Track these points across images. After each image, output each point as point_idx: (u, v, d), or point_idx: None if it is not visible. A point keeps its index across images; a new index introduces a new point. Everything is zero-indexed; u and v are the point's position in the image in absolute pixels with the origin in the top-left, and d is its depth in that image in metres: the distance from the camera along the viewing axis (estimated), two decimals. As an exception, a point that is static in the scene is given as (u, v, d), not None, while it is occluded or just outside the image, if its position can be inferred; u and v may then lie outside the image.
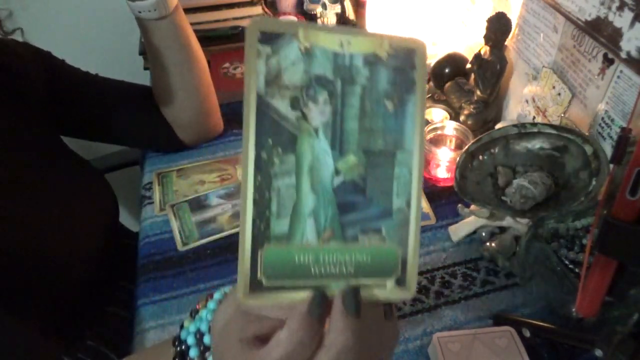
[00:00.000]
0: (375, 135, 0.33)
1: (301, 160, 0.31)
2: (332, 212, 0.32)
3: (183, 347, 0.39)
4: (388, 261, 0.33)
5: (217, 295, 0.40)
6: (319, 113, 0.31)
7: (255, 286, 0.31)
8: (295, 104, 0.31)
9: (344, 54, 0.32)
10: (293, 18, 1.18)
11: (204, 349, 0.38)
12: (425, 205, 0.77)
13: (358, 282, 0.33)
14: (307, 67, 0.31)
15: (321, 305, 0.31)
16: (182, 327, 0.40)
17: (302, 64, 0.31)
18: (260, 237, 0.31)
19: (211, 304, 0.39)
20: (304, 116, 0.31)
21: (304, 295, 0.32)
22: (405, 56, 0.33)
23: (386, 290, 0.33)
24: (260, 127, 0.30)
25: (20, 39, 0.75)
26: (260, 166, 0.30)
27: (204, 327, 0.38)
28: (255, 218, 0.30)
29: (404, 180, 0.33)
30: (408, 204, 0.34)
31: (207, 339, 0.38)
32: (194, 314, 0.40)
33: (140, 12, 0.70)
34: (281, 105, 0.31)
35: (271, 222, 0.31)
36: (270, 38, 0.30)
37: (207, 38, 1.06)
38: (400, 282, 0.34)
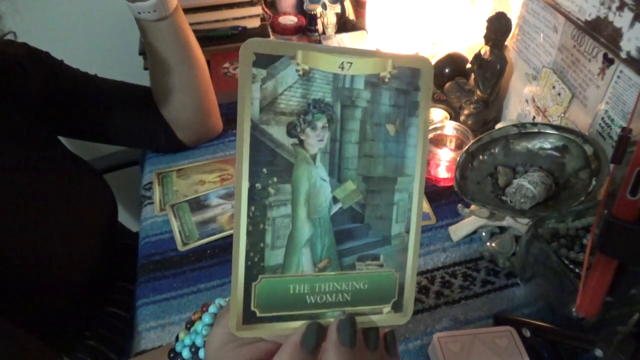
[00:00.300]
0: (376, 161, 0.32)
1: (297, 189, 0.30)
2: (329, 241, 0.31)
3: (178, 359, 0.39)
4: (385, 287, 0.32)
5: (212, 309, 0.39)
6: (316, 139, 0.30)
7: (248, 317, 0.30)
8: (292, 130, 0.29)
9: (345, 76, 0.30)
10: (293, 18, 1.18)
11: None
12: (426, 205, 0.77)
13: (355, 309, 0.32)
14: (305, 91, 0.29)
15: (316, 336, 0.30)
16: (177, 339, 0.40)
17: (300, 88, 0.29)
18: (254, 268, 0.29)
19: (206, 318, 0.39)
20: (301, 143, 0.30)
21: (299, 325, 0.31)
22: (409, 76, 0.31)
23: (382, 316, 0.32)
24: (254, 157, 0.29)
25: (18, 40, 0.75)
26: (254, 197, 0.29)
27: (199, 341, 0.38)
28: (248, 250, 0.29)
29: (403, 205, 0.33)
30: (407, 230, 0.33)
31: (202, 353, 0.38)
32: (189, 325, 0.40)
33: (140, 13, 0.70)
34: (277, 132, 0.29)
35: (265, 253, 0.30)
36: (266, 60, 0.28)
37: (207, 38, 1.06)
38: (397, 307, 0.33)
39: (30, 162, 0.69)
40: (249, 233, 0.29)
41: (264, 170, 0.29)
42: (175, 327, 0.63)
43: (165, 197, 0.80)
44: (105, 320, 0.80)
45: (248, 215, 0.29)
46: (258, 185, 0.29)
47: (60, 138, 0.80)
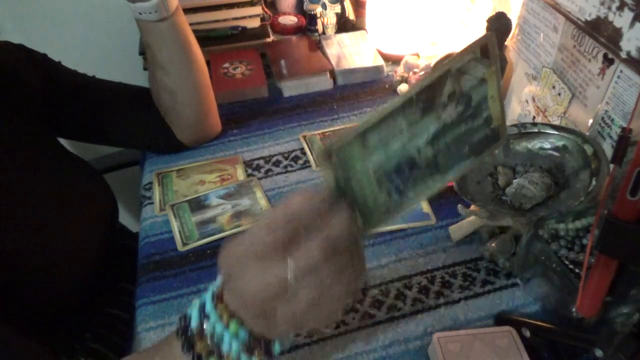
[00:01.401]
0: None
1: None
2: None
3: (185, 321, 0.40)
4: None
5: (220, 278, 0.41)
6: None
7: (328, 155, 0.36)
8: None
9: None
10: (293, 18, 1.18)
11: (203, 317, 0.39)
12: (425, 206, 0.77)
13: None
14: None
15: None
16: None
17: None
18: None
19: (217, 280, 0.41)
20: None
21: None
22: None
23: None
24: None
25: (17, 41, 0.75)
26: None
27: (207, 297, 0.40)
28: None
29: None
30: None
31: (208, 306, 0.39)
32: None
33: (140, 13, 0.70)
34: None
35: None
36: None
37: (207, 38, 1.06)
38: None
39: (30, 164, 0.69)
40: None
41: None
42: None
43: (165, 197, 0.80)
44: (106, 322, 0.80)
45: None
46: None
47: (60, 139, 0.80)
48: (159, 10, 0.69)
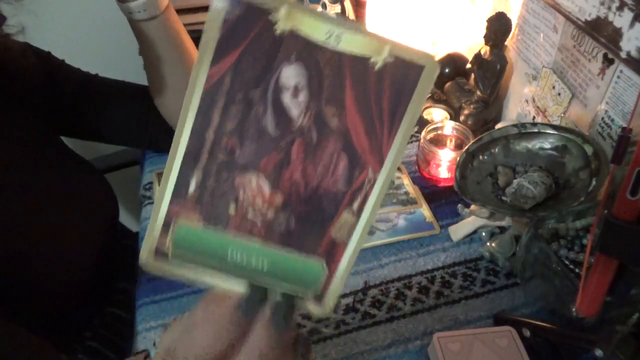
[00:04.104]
0: None
1: None
2: None
3: None
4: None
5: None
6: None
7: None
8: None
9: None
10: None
11: None
12: (429, 215, 0.76)
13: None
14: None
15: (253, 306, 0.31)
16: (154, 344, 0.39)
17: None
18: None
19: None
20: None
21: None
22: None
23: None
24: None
25: (20, 39, 0.75)
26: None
27: None
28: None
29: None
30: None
31: None
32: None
33: (130, 12, 0.70)
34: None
35: None
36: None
37: (207, 38, 1.06)
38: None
39: (31, 161, 0.69)
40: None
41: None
42: (175, 327, 0.63)
43: (165, 197, 0.80)
44: (106, 321, 0.80)
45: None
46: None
47: (62, 138, 0.80)
48: (148, 8, 0.69)
